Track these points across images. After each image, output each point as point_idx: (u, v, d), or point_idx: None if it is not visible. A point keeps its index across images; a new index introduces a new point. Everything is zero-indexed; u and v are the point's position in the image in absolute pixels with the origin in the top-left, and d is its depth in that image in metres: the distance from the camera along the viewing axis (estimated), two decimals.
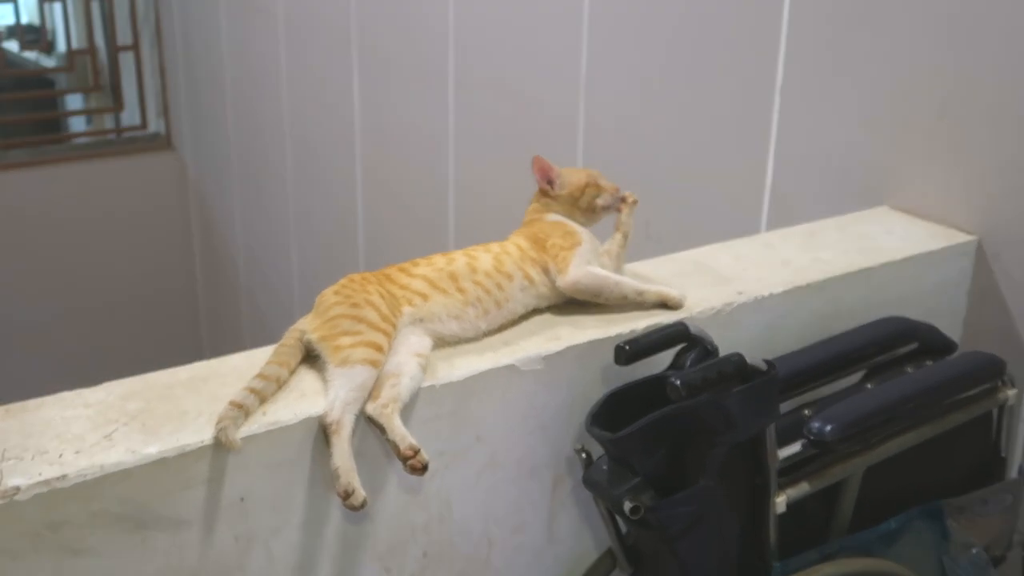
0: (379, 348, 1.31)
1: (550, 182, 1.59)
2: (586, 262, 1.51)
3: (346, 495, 1.21)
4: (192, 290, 6.01)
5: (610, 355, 1.39)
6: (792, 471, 1.43)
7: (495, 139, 3.11)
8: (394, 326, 1.35)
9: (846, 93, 2.01)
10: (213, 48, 5.08)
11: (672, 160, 2.45)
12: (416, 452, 1.25)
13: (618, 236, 1.58)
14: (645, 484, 1.30)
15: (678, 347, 1.42)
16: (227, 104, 5.05)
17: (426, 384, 1.33)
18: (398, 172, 3.69)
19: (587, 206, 1.58)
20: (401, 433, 1.26)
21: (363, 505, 1.22)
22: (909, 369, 1.58)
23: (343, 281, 1.41)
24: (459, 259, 1.47)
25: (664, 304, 1.52)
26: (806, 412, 1.50)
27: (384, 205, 3.83)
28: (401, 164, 3.66)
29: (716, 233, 1.96)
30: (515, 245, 1.53)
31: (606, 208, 1.59)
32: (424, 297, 1.41)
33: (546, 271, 1.50)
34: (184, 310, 6.03)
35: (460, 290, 1.42)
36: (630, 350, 1.37)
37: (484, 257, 1.48)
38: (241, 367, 1.34)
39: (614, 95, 2.60)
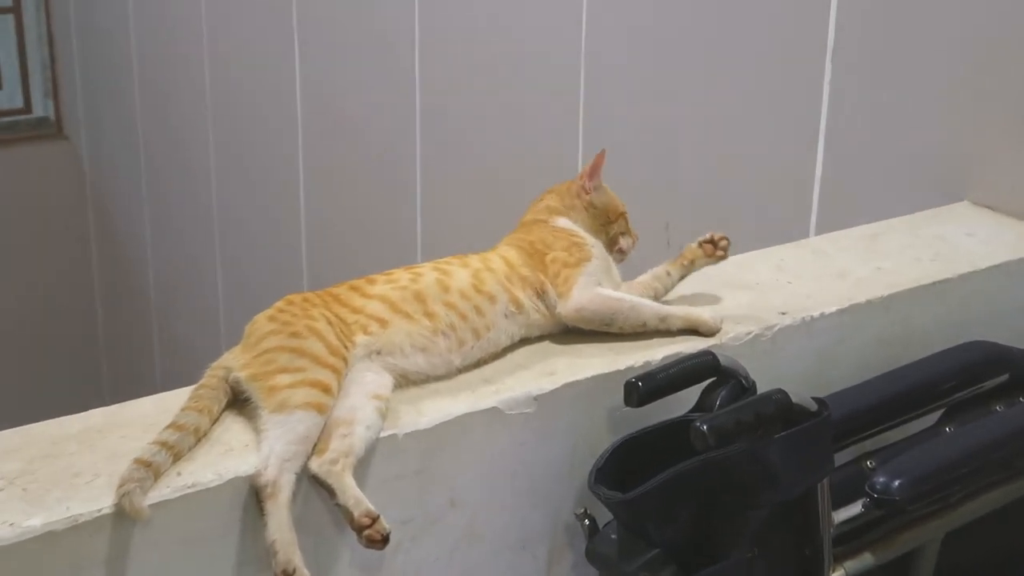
0: (326, 389, 1.31)
1: (591, 183, 1.64)
2: (595, 283, 1.52)
3: (284, 573, 1.21)
4: (89, 313, 6.00)
5: (619, 394, 1.40)
6: (852, 538, 1.43)
7: (473, 126, 3.12)
8: (345, 360, 1.35)
9: (915, 60, 2.02)
10: (117, 14, 5.10)
11: (695, 147, 2.46)
12: (374, 520, 1.25)
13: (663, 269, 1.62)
14: (664, 558, 1.30)
15: (705, 383, 1.43)
16: (134, 83, 5.06)
17: (385, 433, 1.33)
18: (351, 166, 3.70)
19: (612, 237, 1.64)
20: (355, 496, 1.26)
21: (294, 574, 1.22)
22: (999, 407, 1.59)
23: (280, 304, 1.41)
24: (427, 275, 1.47)
25: (695, 330, 1.52)
26: (869, 464, 1.50)
27: (334, 208, 3.84)
28: (355, 156, 3.67)
29: (753, 238, 1.97)
30: (502, 258, 1.53)
31: (621, 252, 1.64)
32: (382, 323, 1.41)
33: (540, 294, 1.51)
34: (79, 339, 6.01)
35: (428, 314, 1.43)
36: (644, 388, 1.37)
37: (460, 273, 1.48)
38: (149, 415, 1.33)
39: (620, 67, 2.62)
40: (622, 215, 1.66)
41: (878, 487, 1.37)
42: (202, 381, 1.35)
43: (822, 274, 1.73)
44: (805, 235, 2.19)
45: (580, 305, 1.50)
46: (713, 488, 1.30)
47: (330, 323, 1.38)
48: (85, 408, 1.36)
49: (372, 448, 1.31)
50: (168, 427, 1.27)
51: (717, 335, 1.52)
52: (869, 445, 1.55)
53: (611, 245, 1.64)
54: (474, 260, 1.52)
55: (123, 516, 1.18)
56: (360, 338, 1.39)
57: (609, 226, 1.65)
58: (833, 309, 1.62)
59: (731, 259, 1.78)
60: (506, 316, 1.47)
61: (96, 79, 5.59)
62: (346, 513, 1.26)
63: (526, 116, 2.93)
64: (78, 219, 5.91)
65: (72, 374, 5.92)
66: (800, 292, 1.66)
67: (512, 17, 2.92)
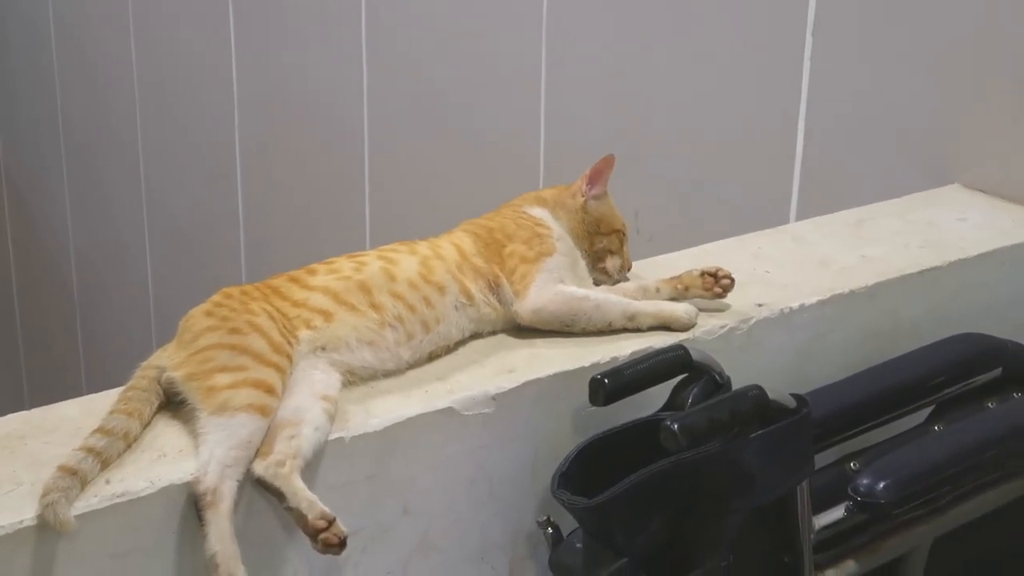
0: (269, 389, 1.32)
1: (592, 189, 1.64)
2: (556, 280, 1.53)
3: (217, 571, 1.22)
4: (6, 311, 5.96)
5: (584, 392, 1.41)
6: (834, 545, 1.46)
7: (426, 106, 3.13)
8: (290, 358, 1.37)
9: (902, 33, 2.05)
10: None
11: (667, 129, 2.48)
12: (330, 523, 1.26)
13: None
14: (633, 568, 1.32)
15: (676, 379, 1.45)
16: (52, 56, 5.03)
17: (333, 436, 1.34)
18: (293, 148, 3.70)
19: (598, 252, 1.64)
20: (307, 498, 1.27)
21: None
22: (991, 404, 1.62)
23: (217, 298, 1.42)
24: (372, 263, 1.48)
25: (666, 327, 1.54)
26: (853, 465, 1.53)
27: (275, 193, 3.83)
28: (297, 138, 3.67)
29: (730, 225, 2.00)
30: (454, 245, 1.55)
31: (604, 272, 1.64)
32: (326, 316, 1.42)
33: (493, 288, 1.52)
34: None
35: (374, 306, 1.44)
36: (610, 385, 1.38)
37: (407, 261, 1.50)
38: (75, 419, 1.34)
39: (587, 43, 2.63)
40: (616, 232, 1.65)
41: (862, 489, 1.40)
42: (131, 382, 1.35)
43: (803, 263, 1.75)
44: (785, 222, 2.21)
45: (538, 306, 1.51)
46: (685, 492, 1.32)
47: (272, 318, 1.39)
48: (4, 413, 1.37)
49: (320, 452, 1.32)
50: (95, 432, 1.28)
51: (690, 329, 1.54)
52: (853, 445, 1.57)
53: (595, 260, 1.64)
54: (423, 247, 1.53)
55: (47, 528, 1.19)
56: (304, 333, 1.40)
57: (597, 238, 1.64)
58: (814, 300, 1.64)
59: (705, 246, 1.81)
60: (456, 308, 1.49)
61: (12, 59, 5.55)
62: (299, 517, 1.27)
63: (483, 95, 2.95)
64: None
65: None
66: (779, 282, 1.68)
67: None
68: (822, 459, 1.53)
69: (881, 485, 1.40)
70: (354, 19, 3.25)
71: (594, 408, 1.42)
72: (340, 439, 1.34)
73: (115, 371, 1.41)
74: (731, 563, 1.35)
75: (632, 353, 1.48)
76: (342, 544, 1.26)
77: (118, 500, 1.23)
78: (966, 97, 1.98)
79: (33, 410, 1.36)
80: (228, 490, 1.25)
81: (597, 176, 1.65)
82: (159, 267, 4.55)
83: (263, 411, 1.30)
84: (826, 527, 1.44)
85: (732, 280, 1.58)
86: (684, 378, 1.44)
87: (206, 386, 1.32)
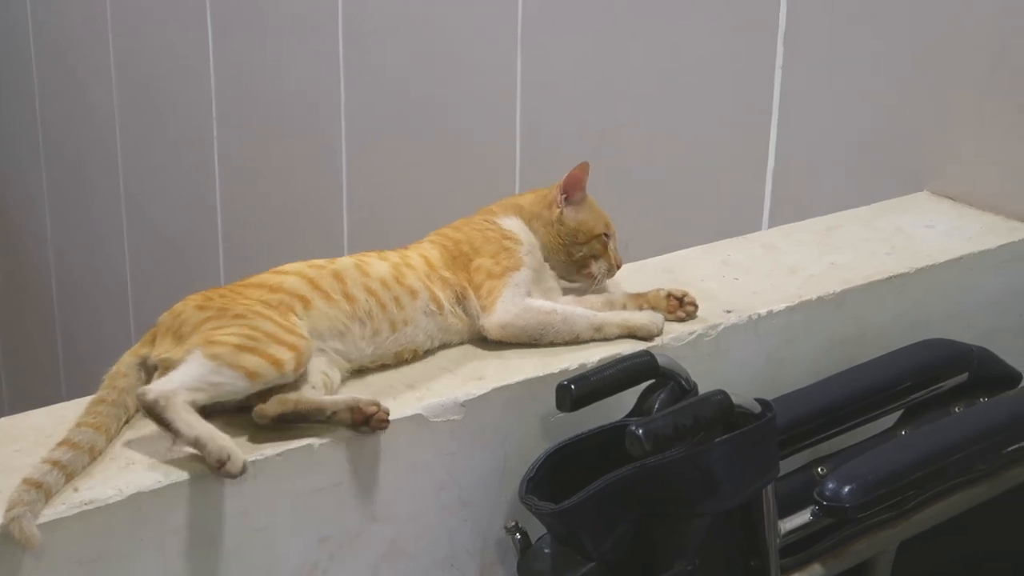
0: (276, 363, 1.33)
1: (567, 198, 1.61)
2: (523, 294, 1.53)
3: (220, 463, 1.25)
4: None
5: (552, 399, 1.42)
6: (801, 549, 1.47)
7: (403, 114, 3.14)
8: (307, 339, 1.38)
9: (871, 43, 2.07)
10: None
11: (639, 136, 2.49)
12: (379, 406, 1.34)
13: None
14: (601, 571, 1.33)
15: (643, 385, 1.46)
16: (31, 61, 5.02)
17: (301, 443, 1.34)
18: (271, 158, 3.70)
19: (579, 260, 1.61)
20: (351, 395, 1.35)
21: (243, 470, 1.26)
22: (957, 408, 1.63)
23: (197, 298, 1.41)
24: (344, 259, 1.49)
25: (633, 335, 1.55)
26: (820, 470, 1.54)
27: (253, 203, 3.84)
28: (276, 148, 3.67)
29: (702, 233, 2.01)
30: (421, 256, 1.55)
31: (589, 276, 1.62)
32: (304, 303, 1.43)
33: (460, 300, 1.53)
34: None
35: (347, 297, 1.45)
36: (577, 391, 1.39)
37: (378, 264, 1.51)
38: (43, 428, 1.34)
39: (560, 51, 2.64)
40: (596, 237, 1.61)
41: (827, 494, 1.41)
42: (100, 394, 1.35)
43: (771, 270, 1.76)
44: (757, 229, 2.22)
45: (505, 321, 1.51)
46: (651, 497, 1.33)
47: (269, 305, 1.40)
48: None
49: None
50: (61, 444, 1.28)
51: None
52: (822, 450, 1.58)
53: (579, 267, 1.62)
54: (392, 255, 1.54)
55: (11, 542, 1.19)
56: (292, 319, 1.40)
57: (576, 247, 1.61)
58: (782, 307, 1.65)
59: (674, 254, 1.82)
60: (426, 314, 1.49)
61: None
62: (350, 406, 1.33)
63: (460, 102, 2.95)
64: None
65: None
66: (747, 289, 1.69)
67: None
68: (791, 464, 1.55)
69: (846, 489, 1.40)
70: (331, 26, 3.25)
71: (562, 415, 1.43)
72: (308, 446, 1.34)
73: (94, 376, 1.41)
74: (698, 567, 1.35)
75: (600, 360, 1.49)
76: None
77: (86, 508, 1.23)
78: (935, 105, 2.00)
79: (2, 419, 1.37)
80: (180, 396, 1.28)
81: (572, 185, 1.62)
82: (138, 271, 4.55)
83: (253, 377, 1.32)
84: (792, 531, 1.45)
85: (696, 306, 1.58)
86: (651, 384, 1.45)
87: (208, 338, 1.33)
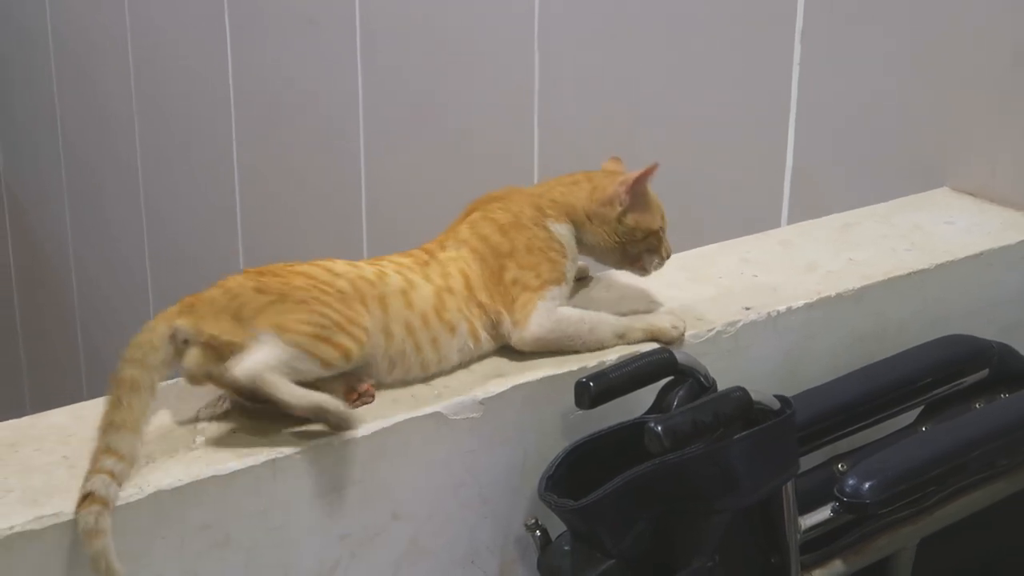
0: (347, 356, 1.35)
1: (622, 203, 1.56)
2: (556, 307, 1.51)
3: (343, 422, 1.32)
4: (7, 318, 5.97)
5: (570, 396, 1.42)
6: (821, 545, 1.47)
7: (420, 112, 3.14)
8: (368, 330, 1.38)
9: (889, 39, 2.06)
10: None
11: (658, 135, 2.49)
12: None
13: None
14: (621, 568, 1.33)
15: (662, 382, 1.46)
16: (51, 63, 5.04)
17: (319, 442, 1.34)
18: (290, 156, 3.71)
19: (634, 255, 1.58)
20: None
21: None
22: (978, 405, 1.63)
23: (252, 278, 1.40)
24: (392, 278, 1.45)
25: (655, 339, 1.54)
26: (840, 467, 1.54)
27: (272, 201, 3.85)
28: (294, 146, 3.68)
29: (721, 230, 2.00)
30: (461, 275, 1.49)
31: (642, 270, 1.59)
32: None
33: (495, 325, 1.50)
34: None
35: (386, 333, 1.42)
36: (595, 388, 1.39)
37: (422, 289, 1.46)
38: (64, 427, 1.35)
39: (579, 48, 2.64)
40: (654, 233, 1.57)
41: (847, 490, 1.41)
42: (132, 374, 1.31)
43: (790, 267, 1.76)
44: (776, 226, 2.22)
45: (538, 336, 1.49)
46: (670, 493, 1.33)
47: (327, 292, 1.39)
48: (5, 420, 1.37)
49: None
50: (108, 453, 1.25)
51: None
52: (843, 447, 1.58)
53: (631, 262, 1.58)
54: (435, 274, 1.48)
55: (37, 535, 1.19)
56: (357, 306, 1.40)
57: (633, 245, 1.57)
58: (801, 304, 1.65)
59: (693, 252, 1.82)
60: (460, 351, 1.47)
61: (10, 70, 5.57)
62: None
63: (478, 102, 2.96)
64: None
65: None
66: (766, 286, 1.69)
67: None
68: (811, 461, 1.54)
69: (866, 486, 1.40)
70: (348, 32, 3.26)
71: (582, 412, 1.43)
72: (328, 444, 1.35)
73: None
74: (717, 563, 1.35)
75: (619, 357, 1.49)
76: None
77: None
78: (955, 101, 1.99)
79: (23, 418, 1.37)
80: (271, 373, 1.30)
81: (640, 185, 1.56)
82: (158, 276, 4.57)
83: (326, 366, 1.34)
84: (812, 528, 1.45)
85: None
86: (670, 381, 1.45)
87: (283, 325, 1.33)
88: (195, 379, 1.36)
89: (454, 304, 1.46)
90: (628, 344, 1.53)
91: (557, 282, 1.51)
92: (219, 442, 1.33)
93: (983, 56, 1.93)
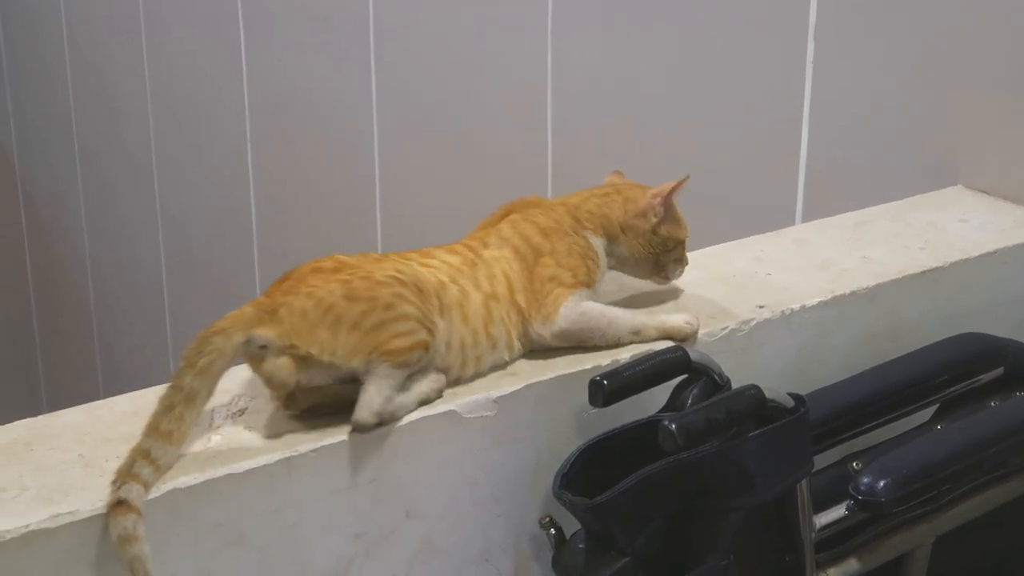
0: (427, 350, 1.38)
1: (657, 215, 1.58)
2: (580, 302, 1.52)
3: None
4: (25, 322, 5.99)
5: (584, 394, 1.42)
6: (836, 544, 1.46)
7: (435, 117, 3.14)
8: (436, 328, 1.40)
9: (902, 37, 2.06)
10: (46, 4, 5.09)
11: (671, 134, 2.49)
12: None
13: None
14: (635, 567, 1.33)
15: (676, 380, 1.46)
16: (67, 75, 5.06)
17: (334, 440, 1.35)
18: (304, 159, 3.72)
19: (663, 265, 1.60)
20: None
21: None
22: (993, 403, 1.62)
23: (337, 280, 1.38)
24: (451, 290, 1.45)
25: (669, 337, 1.54)
26: (855, 465, 1.53)
27: (286, 207, 3.85)
28: (308, 149, 3.68)
29: (735, 228, 2.00)
30: (504, 277, 1.50)
31: (665, 279, 1.62)
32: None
33: (525, 328, 1.50)
34: (15, 350, 6.01)
35: (447, 345, 1.43)
36: (609, 386, 1.39)
37: (475, 300, 1.46)
38: (79, 426, 1.35)
39: (591, 49, 2.64)
40: (682, 243, 1.60)
41: (862, 488, 1.40)
42: (192, 384, 1.29)
43: (804, 265, 1.76)
44: (791, 224, 2.22)
45: (563, 328, 1.49)
46: (684, 491, 1.33)
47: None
48: (21, 419, 1.38)
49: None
50: (147, 462, 1.25)
51: None
52: (857, 445, 1.58)
53: (658, 271, 1.61)
54: (483, 276, 1.48)
55: (53, 533, 1.20)
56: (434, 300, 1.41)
57: (665, 255, 1.59)
58: (815, 302, 1.64)
59: (707, 250, 1.82)
60: (494, 364, 1.47)
61: (25, 71, 5.59)
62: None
63: (491, 105, 2.96)
64: (9, 224, 5.91)
65: (8, 386, 5.92)
66: (780, 284, 1.69)
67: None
68: (826, 459, 1.54)
69: (881, 484, 1.40)
70: (362, 35, 3.26)
71: (596, 410, 1.43)
72: (342, 443, 1.35)
73: (131, 376, 1.42)
74: (732, 562, 1.35)
75: (632, 356, 1.49)
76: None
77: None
78: (969, 98, 1.99)
79: (38, 417, 1.38)
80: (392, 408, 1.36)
81: (672, 197, 1.59)
82: (173, 275, 4.58)
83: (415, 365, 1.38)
84: (827, 526, 1.45)
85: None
86: (684, 379, 1.45)
87: (386, 349, 1.35)
88: (281, 386, 1.36)
89: (498, 313, 1.47)
90: (643, 342, 1.53)
91: (588, 285, 1.53)
92: (233, 441, 1.34)
93: (997, 54, 1.93)
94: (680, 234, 1.60)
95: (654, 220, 1.58)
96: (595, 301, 1.53)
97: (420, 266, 1.46)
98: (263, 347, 1.33)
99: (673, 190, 1.58)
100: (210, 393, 1.31)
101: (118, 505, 1.21)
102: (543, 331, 1.49)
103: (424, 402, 1.39)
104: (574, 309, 1.49)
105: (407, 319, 1.36)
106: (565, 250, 1.53)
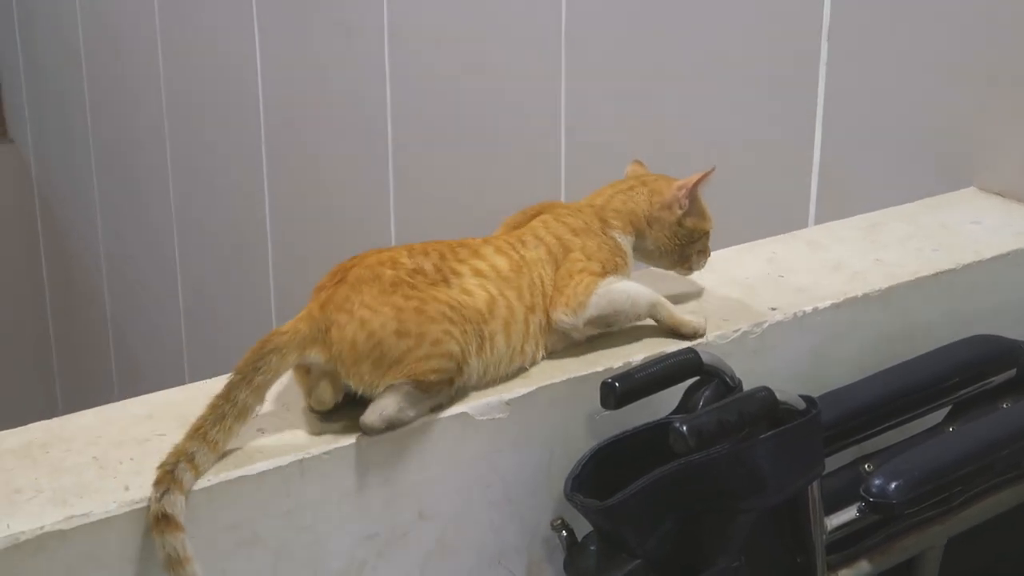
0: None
1: (682, 207, 1.58)
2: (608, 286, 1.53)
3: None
4: (40, 323, 6.02)
5: (596, 396, 1.42)
6: (848, 545, 1.47)
7: (448, 125, 3.15)
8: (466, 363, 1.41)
9: (916, 38, 2.06)
10: (63, 8, 5.11)
11: (684, 135, 2.49)
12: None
13: None
14: (646, 569, 1.33)
15: (688, 382, 1.46)
16: (83, 81, 5.08)
17: (347, 442, 1.36)
18: (319, 162, 3.73)
19: (687, 255, 1.60)
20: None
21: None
22: (1006, 405, 1.62)
23: (390, 307, 1.37)
24: (499, 310, 1.45)
25: (676, 329, 1.54)
26: (867, 467, 1.54)
27: (300, 205, 3.86)
28: (323, 150, 3.69)
29: (748, 230, 2.00)
30: (540, 279, 1.50)
31: (688, 271, 1.62)
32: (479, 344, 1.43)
33: (554, 314, 1.50)
34: (30, 350, 6.03)
35: (485, 369, 1.44)
36: (621, 388, 1.39)
37: (519, 315, 1.47)
38: (93, 428, 1.36)
39: (605, 49, 2.65)
40: (707, 234, 1.61)
41: (874, 490, 1.41)
42: (245, 399, 1.30)
43: (816, 267, 1.76)
44: (804, 226, 2.22)
45: (594, 315, 1.50)
46: (696, 493, 1.33)
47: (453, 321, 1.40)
48: (38, 421, 1.39)
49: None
50: (190, 468, 1.26)
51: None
52: (870, 447, 1.58)
53: (682, 262, 1.61)
54: (525, 284, 1.48)
55: (67, 535, 1.21)
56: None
57: (690, 246, 1.60)
58: (827, 304, 1.64)
59: (719, 253, 1.81)
60: (518, 372, 1.47)
61: (42, 77, 5.61)
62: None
63: (505, 106, 2.96)
64: (25, 226, 5.94)
65: (24, 388, 5.94)
66: (792, 286, 1.69)
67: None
68: (838, 461, 1.54)
69: (893, 486, 1.40)
70: (377, 32, 3.27)
71: (608, 412, 1.43)
72: (354, 445, 1.36)
73: (147, 380, 1.43)
74: (743, 563, 1.36)
75: (644, 358, 1.49)
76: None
77: (137, 506, 1.25)
78: (981, 100, 1.99)
79: (53, 419, 1.39)
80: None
81: (698, 188, 1.59)
82: (188, 279, 4.59)
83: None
84: (839, 528, 1.45)
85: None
86: (696, 381, 1.45)
87: (415, 375, 1.36)
88: (320, 404, 1.38)
89: (534, 326, 1.48)
90: (656, 321, 1.54)
91: (615, 272, 1.53)
92: (248, 442, 1.34)
93: (1010, 55, 1.93)
94: (705, 226, 1.61)
95: (679, 212, 1.59)
96: None
97: (473, 276, 1.45)
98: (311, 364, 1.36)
99: (699, 182, 1.59)
100: (259, 407, 1.33)
101: (164, 520, 1.22)
102: (575, 320, 1.49)
103: (435, 410, 1.39)
104: (604, 296, 1.50)
105: (449, 357, 1.37)
106: (595, 246, 1.54)
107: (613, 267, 1.53)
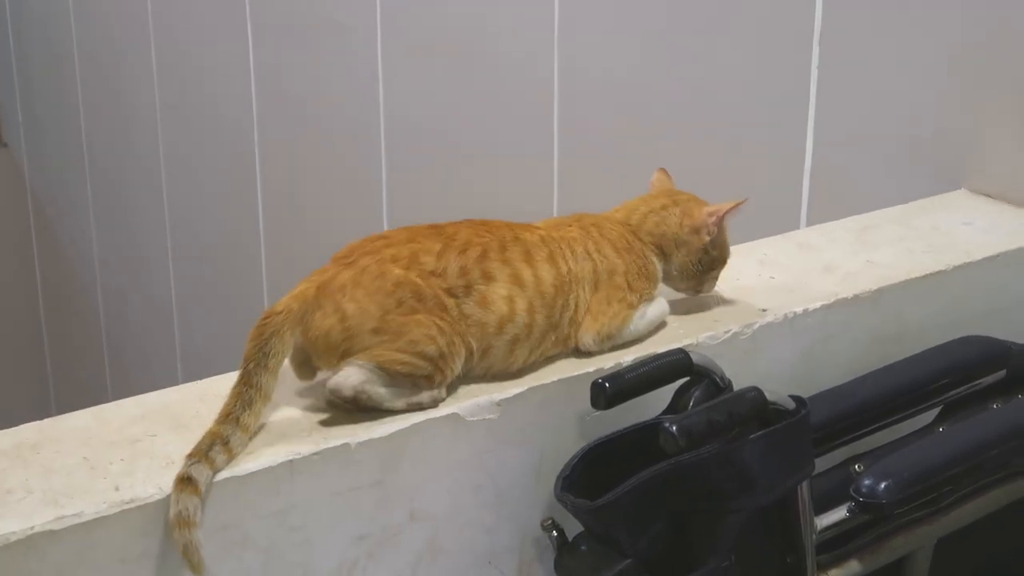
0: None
1: (710, 234, 1.59)
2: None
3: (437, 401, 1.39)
4: (33, 325, 6.01)
5: (586, 397, 1.43)
6: (838, 545, 1.47)
7: (441, 124, 3.15)
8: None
9: (907, 41, 2.06)
10: (56, 9, 5.12)
11: (676, 138, 2.50)
12: None
13: None
14: (637, 568, 1.33)
15: (678, 383, 1.46)
16: (76, 84, 5.08)
17: (338, 443, 1.36)
18: (311, 164, 3.73)
19: (704, 280, 1.61)
20: None
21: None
22: (995, 405, 1.63)
23: (376, 306, 1.39)
24: (538, 319, 1.47)
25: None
26: (857, 467, 1.54)
27: (293, 208, 3.86)
28: (315, 154, 3.70)
29: (740, 233, 2.00)
30: (577, 298, 1.51)
31: (697, 293, 1.62)
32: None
33: (580, 334, 1.52)
34: (24, 353, 6.03)
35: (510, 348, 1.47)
36: (611, 389, 1.40)
37: (537, 328, 1.48)
38: (85, 429, 1.36)
39: (597, 53, 2.65)
40: (724, 264, 1.62)
41: (863, 490, 1.41)
42: (265, 386, 1.35)
43: (807, 268, 1.76)
44: (795, 228, 2.22)
45: (617, 344, 1.53)
46: (686, 493, 1.33)
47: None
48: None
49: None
50: (224, 451, 1.28)
51: (690, 334, 1.56)
52: (859, 447, 1.59)
53: (695, 287, 1.62)
54: (559, 307, 1.49)
55: (58, 535, 1.21)
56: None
57: (713, 271, 1.61)
58: (818, 305, 1.65)
59: None
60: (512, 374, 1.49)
61: (35, 80, 5.61)
62: None
63: (498, 111, 2.97)
64: (19, 229, 5.94)
65: (16, 388, 5.94)
66: (783, 288, 1.69)
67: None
68: (828, 461, 1.55)
69: (882, 486, 1.41)
70: (370, 42, 3.28)
71: (599, 413, 1.43)
72: (346, 445, 1.36)
73: (139, 382, 1.43)
74: (733, 563, 1.36)
75: (634, 358, 1.50)
76: None
77: (127, 506, 1.25)
78: (972, 103, 2.00)
79: (44, 420, 1.39)
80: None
81: (727, 218, 1.60)
82: (182, 282, 4.59)
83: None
84: (829, 527, 1.46)
85: None
86: (686, 382, 1.46)
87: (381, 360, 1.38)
88: (306, 380, 1.44)
89: (549, 341, 1.49)
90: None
91: (649, 300, 1.56)
92: None
93: (1002, 58, 1.93)
94: (725, 255, 1.62)
95: (707, 239, 1.59)
96: None
97: (509, 283, 1.45)
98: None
99: (730, 210, 1.59)
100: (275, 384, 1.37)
101: (187, 482, 1.24)
102: (600, 348, 1.51)
103: (415, 409, 1.40)
104: (633, 330, 1.53)
105: (423, 357, 1.38)
106: (636, 271, 1.55)
107: (649, 297, 1.56)
